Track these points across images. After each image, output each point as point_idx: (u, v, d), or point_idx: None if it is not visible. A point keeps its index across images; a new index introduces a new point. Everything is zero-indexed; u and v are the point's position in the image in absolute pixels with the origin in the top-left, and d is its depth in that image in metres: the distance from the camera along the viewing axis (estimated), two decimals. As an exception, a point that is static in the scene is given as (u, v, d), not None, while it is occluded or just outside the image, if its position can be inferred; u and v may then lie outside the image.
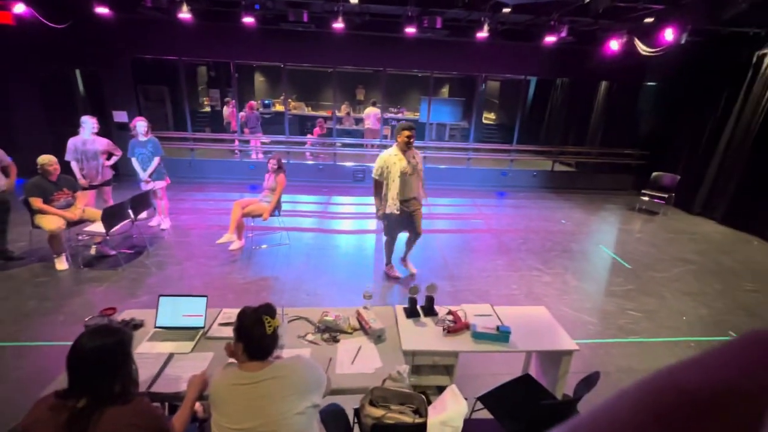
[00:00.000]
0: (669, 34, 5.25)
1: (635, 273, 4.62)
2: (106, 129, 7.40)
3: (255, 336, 1.48)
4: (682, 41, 5.24)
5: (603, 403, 0.25)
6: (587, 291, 4.16)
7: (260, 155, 8.50)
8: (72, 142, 4.51)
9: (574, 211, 6.98)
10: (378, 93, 11.06)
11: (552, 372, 2.36)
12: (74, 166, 4.56)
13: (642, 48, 6.03)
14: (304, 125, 10.89)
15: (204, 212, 6.02)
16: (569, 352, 2.22)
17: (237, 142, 8.06)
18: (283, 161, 4.91)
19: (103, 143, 4.70)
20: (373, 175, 3.79)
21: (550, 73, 8.63)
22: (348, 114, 10.62)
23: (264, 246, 4.87)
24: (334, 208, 6.67)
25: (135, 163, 4.86)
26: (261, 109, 11.14)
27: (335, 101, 8.87)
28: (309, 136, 9.40)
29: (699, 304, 3.99)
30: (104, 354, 1.34)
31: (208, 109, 11.58)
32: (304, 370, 1.51)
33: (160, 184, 5.04)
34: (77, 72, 7.55)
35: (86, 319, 2.06)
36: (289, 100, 9.24)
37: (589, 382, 1.90)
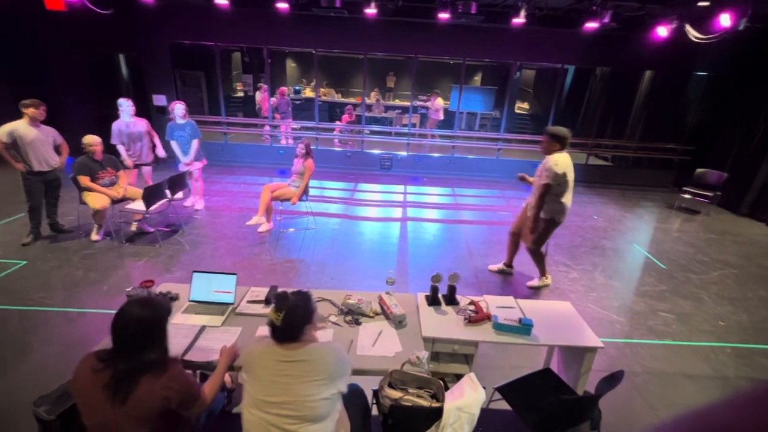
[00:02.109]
0: (725, 20, 4.87)
1: (670, 274, 4.42)
2: (146, 112, 7.76)
3: (270, 320, 1.55)
4: (741, 27, 4.84)
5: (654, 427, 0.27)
6: (616, 289, 4.03)
7: (290, 141, 8.64)
8: (116, 126, 4.72)
9: (608, 206, 6.72)
10: (408, 80, 10.92)
11: (574, 368, 2.33)
12: (121, 149, 4.79)
13: (693, 35, 5.63)
14: (333, 112, 10.96)
15: (235, 195, 6.22)
16: (593, 349, 2.18)
17: (267, 128, 8.22)
18: (312, 147, 4.98)
19: (143, 124, 4.91)
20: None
21: (590, 62, 8.23)
22: (377, 101, 10.58)
23: (291, 229, 5.00)
24: (360, 195, 6.72)
25: (174, 145, 5.07)
26: (292, 95, 11.29)
27: (365, 88, 8.85)
28: (337, 122, 9.45)
29: (739, 310, 3.78)
30: (145, 323, 1.45)
31: (241, 94, 11.83)
32: (333, 359, 1.57)
33: (197, 165, 5.25)
34: (121, 56, 7.89)
35: (128, 290, 2.21)
36: (321, 88, 9.29)
37: (612, 380, 1.87)
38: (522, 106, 13.05)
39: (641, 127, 8.35)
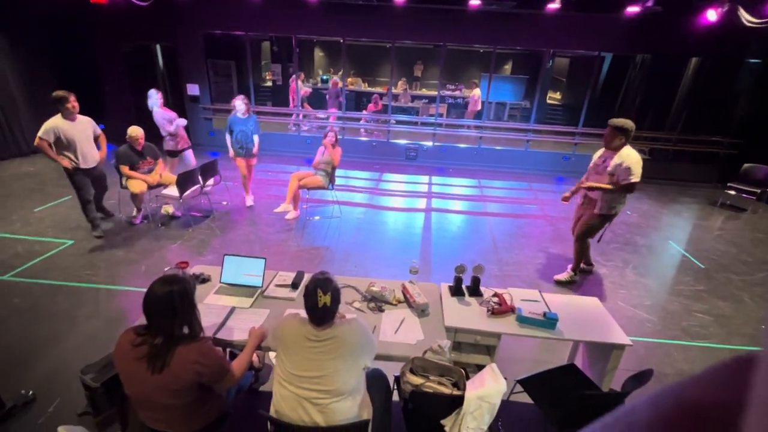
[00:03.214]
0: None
1: (708, 273, 4.20)
2: (179, 101, 8.04)
3: (309, 304, 1.60)
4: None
5: (626, 407, 0.28)
6: (648, 287, 3.88)
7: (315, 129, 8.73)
8: (159, 116, 4.97)
9: (643, 202, 6.43)
10: (436, 69, 10.75)
11: (599, 365, 2.28)
12: (181, 129, 5.10)
13: (747, 18, 5.23)
14: (360, 101, 10.95)
15: (263, 182, 6.37)
16: (620, 347, 2.12)
17: (300, 116, 8.33)
18: (339, 136, 5.03)
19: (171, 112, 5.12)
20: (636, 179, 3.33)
21: (630, 49, 7.79)
22: (405, 90, 10.49)
23: (317, 217, 5.09)
24: (385, 185, 6.73)
25: (228, 139, 4.96)
26: (319, 85, 11.38)
27: (392, 77, 8.78)
28: (364, 112, 9.45)
29: (784, 314, 3.56)
30: (171, 298, 1.53)
31: (270, 83, 12.01)
32: (360, 335, 1.64)
33: (253, 162, 5.21)
34: (157, 47, 8.17)
35: (165, 270, 2.33)
36: (348, 77, 9.30)
37: (640, 378, 1.82)
38: (554, 96, 12.59)
39: (684, 118, 7.88)
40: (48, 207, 4.89)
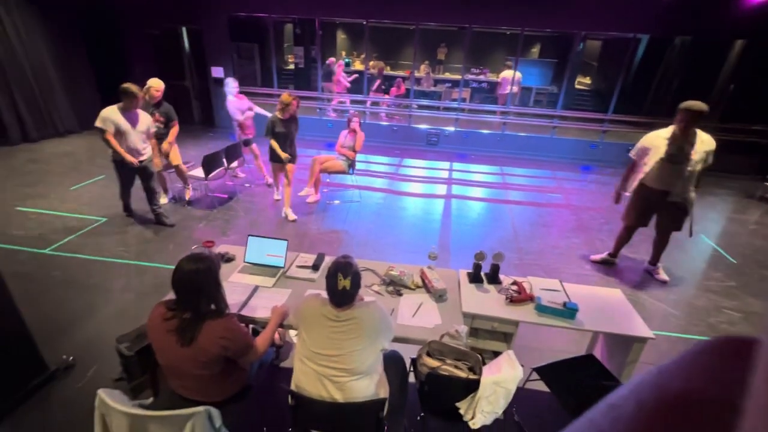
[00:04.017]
0: None
1: (741, 269, 4.04)
2: (205, 84, 8.17)
3: (330, 286, 1.64)
4: None
5: (609, 401, 0.27)
6: (674, 281, 3.76)
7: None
8: (230, 104, 5.05)
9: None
10: (460, 52, 10.47)
11: (619, 358, 2.25)
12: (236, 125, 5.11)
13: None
14: (382, 85, 10.82)
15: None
16: (642, 340, 2.09)
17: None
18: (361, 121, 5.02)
19: (244, 105, 5.12)
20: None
21: (669, 31, 7.35)
22: (427, 74, 10.29)
23: (337, 201, 5.14)
24: (406, 171, 6.71)
25: (274, 145, 4.39)
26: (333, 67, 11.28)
27: (415, 61, 8.62)
28: (386, 96, 9.36)
29: (820, 314, 3.40)
30: (197, 276, 1.60)
31: (292, 66, 12.02)
32: (378, 317, 1.68)
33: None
34: (184, 30, 8.28)
35: (192, 248, 2.43)
36: (370, 60, 9.19)
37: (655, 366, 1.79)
38: (583, 81, 12.09)
39: (724, 105, 7.44)
40: (84, 186, 5.13)
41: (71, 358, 2.47)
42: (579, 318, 2.11)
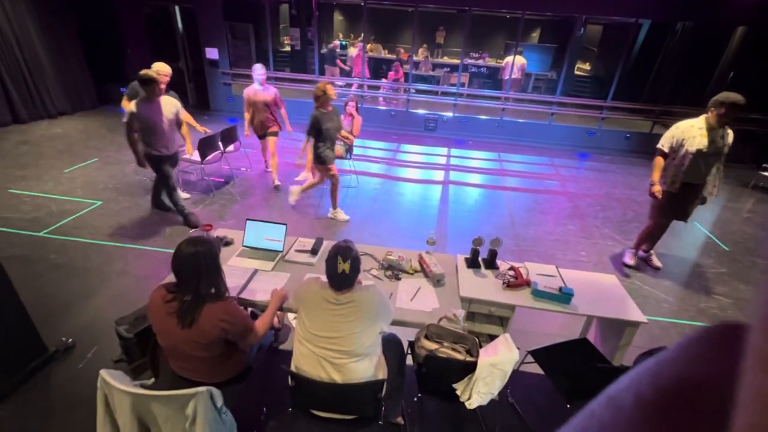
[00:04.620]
0: None
1: (733, 256, 4.11)
2: (199, 65, 8.00)
3: (329, 269, 1.65)
4: None
5: (609, 392, 0.27)
6: (667, 268, 3.82)
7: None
8: (245, 92, 4.58)
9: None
10: (459, 36, 10.31)
11: (612, 341, 2.30)
12: (246, 117, 4.64)
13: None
14: (379, 68, 10.67)
15: (282, 150, 6.39)
16: (635, 324, 2.13)
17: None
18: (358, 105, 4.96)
19: (272, 93, 4.64)
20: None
21: (671, 15, 7.26)
22: (426, 58, 10.14)
23: (334, 186, 5.11)
24: (403, 156, 6.67)
25: (316, 146, 4.05)
26: (339, 51, 11.08)
27: (413, 44, 8.47)
28: (383, 80, 9.24)
29: (808, 300, 3.47)
30: (197, 259, 1.60)
31: (288, 48, 11.78)
32: (377, 301, 1.69)
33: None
34: (176, 8, 8.06)
35: (191, 232, 2.42)
36: (368, 43, 9.02)
37: (652, 355, 1.83)
38: (582, 67, 11.99)
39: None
40: (77, 168, 5.06)
41: (70, 339, 2.48)
42: (574, 303, 2.15)
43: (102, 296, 2.92)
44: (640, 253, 3.86)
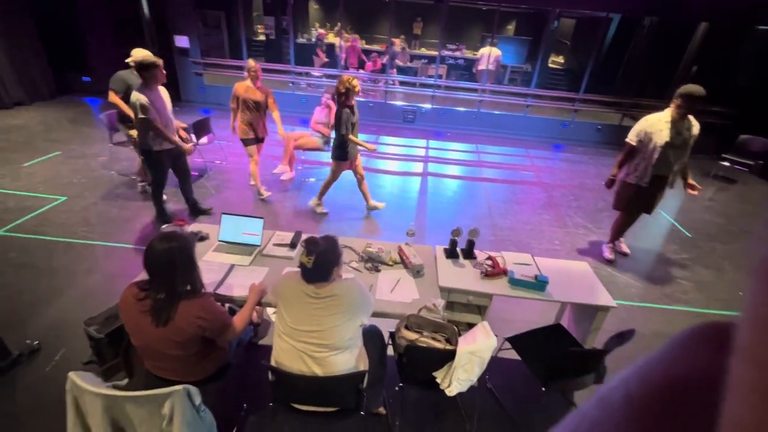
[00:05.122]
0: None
1: (695, 242, 4.33)
2: (168, 54, 7.66)
3: (301, 262, 1.64)
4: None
5: (601, 392, 0.27)
6: (636, 254, 4.00)
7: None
8: (235, 86, 4.03)
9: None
10: (436, 27, 10.30)
11: (584, 325, 2.39)
12: (233, 107, 4.13)
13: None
14: (338, 57, 10.52)
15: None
16: (606, 309, 2.23)
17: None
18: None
19: (264, 93, 4.11)
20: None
21: (639, 11, 7.50)
22: (403, 50, 10.09)
23: (313, 179, 5.06)
24: (382, 148, 6.65)
25: (354, 141, 3.96)
26: (314, 40, 10.86)
27: (390, 35, 8.41)
28: (361, 71, 9.14)
29: (761, 282, 3.71)
30: (171, 255, 1.55)
31: (263, 37, 11.45)
32: (357, 294, 1.69)
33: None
34: (142, -7, 7.66)
35: (163, 227, 2.34)
36: (344, 33, 8.88)
37: (622, 337, 1.92)
38: (556, 60, 12.24)
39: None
40: (38, 162, 4.78)
41: (36, 342, 2.37)
42: (549, 290, 2.21)
43: (69, 296, 2.80)
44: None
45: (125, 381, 1.77)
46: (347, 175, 5.26)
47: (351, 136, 3.70)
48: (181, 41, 7.42)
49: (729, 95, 7.28)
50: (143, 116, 3.11)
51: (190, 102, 7.74)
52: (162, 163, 3.42)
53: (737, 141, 6.31)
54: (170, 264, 1.54)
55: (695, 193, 3.49)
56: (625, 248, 3.95)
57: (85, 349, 2.23)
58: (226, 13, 9.33)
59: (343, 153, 3.79)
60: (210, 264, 2.21)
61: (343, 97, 3.55)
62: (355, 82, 3.53)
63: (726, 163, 6.19)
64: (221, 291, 2.05)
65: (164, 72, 3.24)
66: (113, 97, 3.76)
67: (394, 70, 9.41)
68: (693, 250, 4.16)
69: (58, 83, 7.38)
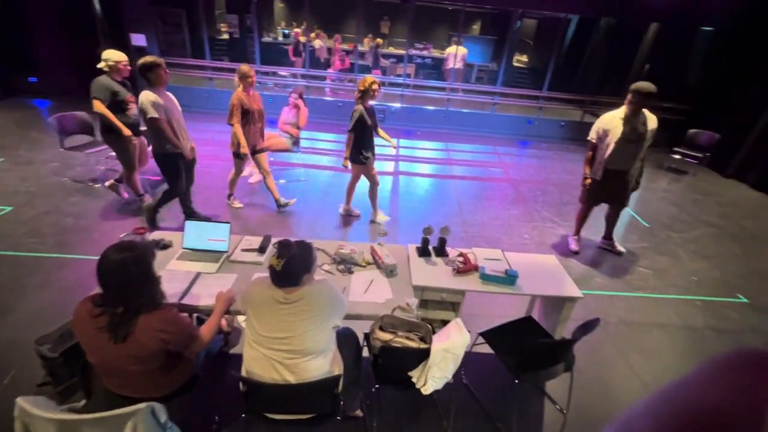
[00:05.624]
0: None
1: (652, 232, 4.57)
2: (125, 53, 7.28)
3: (270, 265, 1.59)
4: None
5: (620, 420, 0.26)
6: (597, 245, 4.17)
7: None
8: (239, 97, 3.68)
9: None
10: (403, 26, 10.35)
11: (554, 317, 2.47)
12: (238, 130, 3.74)
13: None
14: (316, 57, 10.42)
15: (224, 144, 6.05)
16: (573, 299, 2.30)
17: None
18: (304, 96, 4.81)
19: (258, 99, 3.87)
20: None
21: (596, 11, 7.84)
22: (371, 48, 10.07)
23: (282, 181, 4.95)
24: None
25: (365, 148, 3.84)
26: (280, 39, 10.66)
27: (358, 34, 8.37)
28: (329, 70, 9.05)
29: (712, 267, 3.98)
30: (125, 266, 1.46)
31: (226, 36, 11.12)
32: (329, 296, 1.66)
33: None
34: (93, -11, 7.24)
35: (121, 236, 2.21)
36: (312, 32, 8.76)
37: (588, 327, 1.99)
38: (520, 59, 12.61)
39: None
40: (-22, 170, 4.42)
41: (-19, 366, 2.18)
42: (519, 284, 2.27)
43: (19, 313, 2.60)
44: (600, 241, 4.09)
45: (82, 402, 1.66)
46: (320, 176, 5.20)
47: (380, 131, 3.80)
48: (138, 40, 7.07)
49: (680, 92, 7.75)
50: (154, 116, 2.98)
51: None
52: (180, 167, 3.33)
53: (687, 135, 6.71)
54: (125, 276, 1.45)
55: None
56: (619, 247, 3.99)
57: (39, 370, 2.08)
58: (187, 10, 8.99)
59: (357, 155, 3.70)
60: (174, 273, 2.11)
61: (362, 96, 3.55)
62: (375, 86, 3.53)
63: (677, 156, 6.58)
64: (186, 301, 1.96)
65: (168, 72, 3.13)
66: (100, 107, 3.42)
67: (378, 70, 9.40)
68: (651, 239, 4.39)
69: (2, 84, 6.84)
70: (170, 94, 3.25)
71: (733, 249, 4.36)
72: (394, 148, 4.44)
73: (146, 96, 3.01)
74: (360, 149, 3.68)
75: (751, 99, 6.45)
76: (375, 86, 3.52)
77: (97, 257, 1.47)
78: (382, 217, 4.12)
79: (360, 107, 3.56)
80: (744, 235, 4.73)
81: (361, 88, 3.52)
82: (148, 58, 3.04)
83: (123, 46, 7.16)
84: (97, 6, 7.23)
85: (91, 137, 4.52)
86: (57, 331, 2.06)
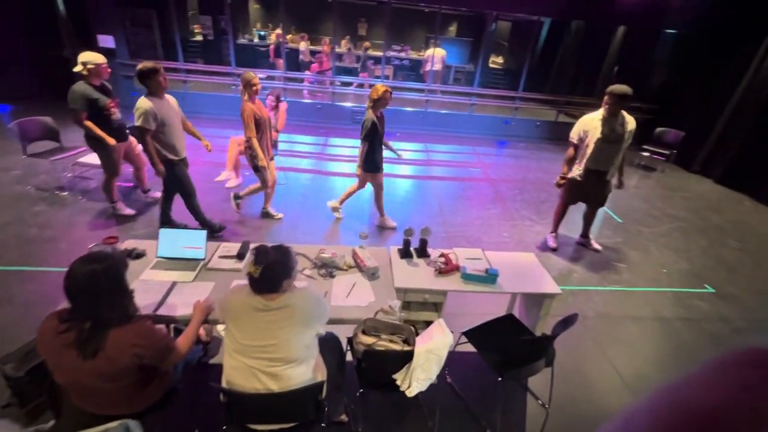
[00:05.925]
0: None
1: (625, 227, 4.73)
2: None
3: (248, 272, 1.56)
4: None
5: (621, 418, 0.26)
6: (576, 241, 4.28)
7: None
8: (250, 108, 3.52)
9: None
10: (380, 28, 10.37)
11: (534, 313, 2.52)
12: (255, 143, 3.61)
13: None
14: (300, 60, 10.33)
15: (199, 148, 5.89)
16: (552, 296, 2.35)
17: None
18: (281, 99, 4.74)
19: (262, 106, 3.73)
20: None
21: (567, 15, 8.08)
22: (349, 50, 10.05)
23: (261, 185, 4.86)
24: (332, 150, 6.57)
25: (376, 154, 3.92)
26: (256, 41, 10.50)
27: (335, 36, 8.34)
28: (307, 72, 8.98)
29: (681, 259, 4.15)
30: (95, 278, 1.39)
31: (200, 38, 10.86)
32: (311, 303, 1.63)
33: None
34: (56, -12, 6.95)
35: (90, 246, 2.12)
36: (288, 34, 8.66)
37: (567, 322, 2.04)
38: (496, 61, 12.85)
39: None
40: (-69, 180, 4.15)
41: (-63, 389, 2.04)
42: (499, 282, 2.30)
43: (-21, 331, 2.45)
44: (578, 238, 4.20)
45: (50, 423, 1.58)
46: (299, 179, 5.13)
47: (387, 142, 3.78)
48: (106, 41, 6.81)
49: (647, 92, 8.06)
50: (144, 126, 2.94)
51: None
52: (184, 172, 3.33)
53: (654, 133, 6.99)
54: (94, 288, 1.39)
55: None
56: (596, 245, 4.10)
57: (3, 390, 1.96)
58: (158, 11, 8.72)
59: (370, 163, 3.70)
60: (148, 283, 2.04)
61: (374, 104, 3.52)
62: (388, 94, 3.50)
63: (646, 153, 6.84)
64: (162, 312, 1.90)
65: (166, 77, 3.09)
66: (82, 121, 3.31)
67: (366, 74, 9.35)
68: (624, 234, 4.54)
69: (-44, 88, 6.46)
70: (170, 98, 3.21)
71: (700, 242, 4.56)
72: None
73: (143, 103, 2.96)
74: (373, 157, 3.67)
75: (712, 98, 6.78)
76: (388, 95, 3.50)
77: (65, 269, 1.40)
78: (390, 223, 4.10)
79: (371, 115, 3.53)
80: (710, 227, 4.95)
81: (374, 97, 3.48)
82: (147, 64, 2.98)
83: (89, 47, 6.90)
84: (61, 6, 6.93)
85: (56, 143, 4.32)
86: (22, 348, 1.95)
